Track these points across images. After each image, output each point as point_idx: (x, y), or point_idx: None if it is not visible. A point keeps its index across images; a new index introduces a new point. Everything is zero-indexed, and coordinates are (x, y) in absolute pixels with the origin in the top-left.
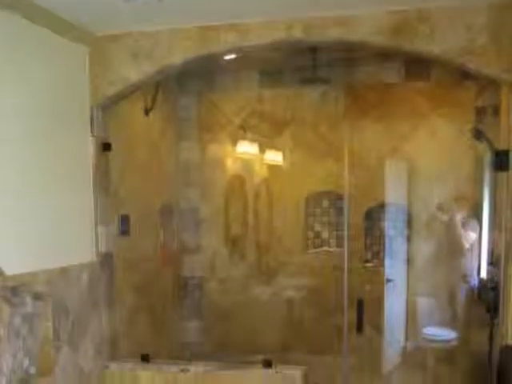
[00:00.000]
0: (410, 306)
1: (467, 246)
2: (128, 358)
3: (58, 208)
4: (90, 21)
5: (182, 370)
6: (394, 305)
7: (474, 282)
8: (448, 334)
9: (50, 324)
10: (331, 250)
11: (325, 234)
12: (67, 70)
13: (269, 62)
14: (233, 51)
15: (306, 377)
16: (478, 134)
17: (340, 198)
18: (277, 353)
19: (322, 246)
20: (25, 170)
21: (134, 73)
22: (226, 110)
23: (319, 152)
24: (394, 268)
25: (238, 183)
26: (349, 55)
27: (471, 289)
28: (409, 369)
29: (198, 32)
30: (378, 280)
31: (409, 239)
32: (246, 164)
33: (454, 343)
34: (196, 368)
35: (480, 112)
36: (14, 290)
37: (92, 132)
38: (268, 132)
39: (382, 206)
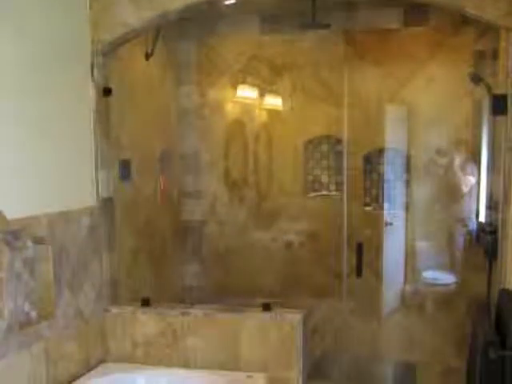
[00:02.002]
0: (408, 249)
1: (466, 189)
2: (128, 301)
3: (58, 152)
4: None
5: (182, 314)
6: (393, 248)
7: (473, 225)
8: (446, 278)
9: (50, 268)
10: (330, 193)
11: (324, 178)
12: (67, 15)
13: (269, 7)
14: None
15: (305, 320)
16: (477, 79)
17: (339, 142)
18: (276, 296)
19: (321, 189)
20: (25, 114)
21: (134, 18)
22: (226, 55)
23: (318, 96)
24: (393, 212)
25: (238, 128)
26: (348, 0)
27: (470, 233)
28: (407, 312)
29: None
30: (377, 224)
31: (408, 183)
32: (246, 109)
33: (452, 287)
34: (196, 311)
35: (479, 56)
36: (15, 234)
37: (92, 77)
38: (268, 77)
39: (381, 151)
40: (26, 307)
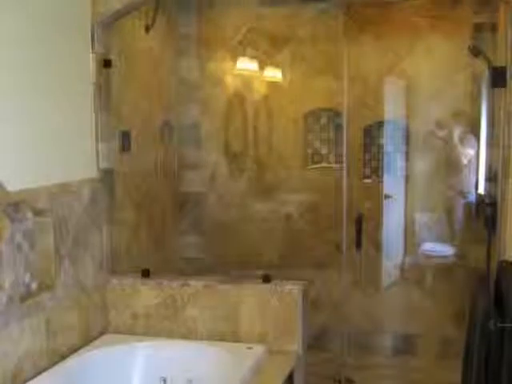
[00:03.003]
0: (408, 221)
1: (465, 162)
2: (128, 273)
3: (58, 124)
4: None
5: (183, 285)
6: (393, 221)
7: (472, 197)
8: (446, 250)
9: (51, 240)
10: (330, 166)
11: (324, 151)
12: None
13: None
14: None
15: (305, 292)
16: (476, 51)
17: (339, 114)
18: (276, 268)
19: (321, 162)
20: (25, 84)
21: None
22: (226, 27)
23: (318, 69)
24: (393, 184)
25: (238, 100)
26: None
27: (469, 205)
28: (407, 284)
29: None
30: (376, 196)
31: (407, 156)
32: (246, 81)
33: (451, 259)
34: (196, 282)
35: (478, 29)
36: (15, 206)
37: (93, 48)
38: (267, 49)
39: (380, 123)
40: (27, 279)
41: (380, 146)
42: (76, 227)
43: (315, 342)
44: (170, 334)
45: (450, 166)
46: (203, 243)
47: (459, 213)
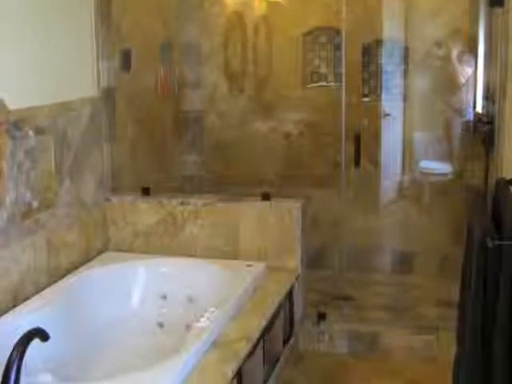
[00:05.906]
0: (406, 139)
1: (463, 80)
2: (129, 191)
3: (59, 43)
4: None
5: (182, 203)
6: (391, 139)
7: (470, 116)
8: (444, 168)
9: (52, 158)
10: (329, 84)
11: (323, 69)
12: None
13: None
14: None
15: (304, 209)
16: None
17: (338, 33)
18: (276, 186)
19: (320, 80)
20: (25, 4)
21: None
22: None
23: None
24: (391, 103)
25: (237, 19)
26: None
27: (467, 123)
28: (406, 202)
29: None
30: (375, 114)
31: (405, 74)
32: (245, 0)
33: (449, 176)
34: (195, 201)
35: None
36: (17, 124)
37: None
38: None
39: (379, 42)
40: (28, 197)
41: (379, 65)
42: (77, 145)
43: (314, 259)
44: (170, 252)
45: (448, 84)
46: (203, 161)
47: (457, 131)
